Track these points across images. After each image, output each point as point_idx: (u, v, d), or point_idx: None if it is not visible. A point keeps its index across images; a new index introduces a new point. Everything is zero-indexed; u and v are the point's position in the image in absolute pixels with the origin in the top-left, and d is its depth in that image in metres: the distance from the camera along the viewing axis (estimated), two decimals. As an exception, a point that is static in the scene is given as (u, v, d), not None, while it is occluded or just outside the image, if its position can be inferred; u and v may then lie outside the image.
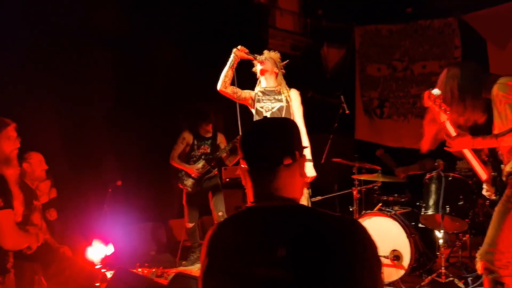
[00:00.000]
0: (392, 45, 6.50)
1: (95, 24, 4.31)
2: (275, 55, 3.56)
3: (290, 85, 3.61)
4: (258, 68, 3.51)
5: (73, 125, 4.47)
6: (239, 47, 3.45)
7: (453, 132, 2.54)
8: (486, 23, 5.60)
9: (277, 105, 3.44)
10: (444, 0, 5.84)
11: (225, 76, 3.44)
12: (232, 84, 3.48)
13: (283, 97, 3.45)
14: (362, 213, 4.07)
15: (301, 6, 7.43)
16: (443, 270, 3.66)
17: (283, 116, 3.38)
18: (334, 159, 4.32)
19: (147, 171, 5.13)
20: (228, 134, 4.77)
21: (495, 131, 2.49)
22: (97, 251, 4.19)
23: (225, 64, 3.46)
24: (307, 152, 3.38)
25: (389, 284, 3.78)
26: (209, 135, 4.68)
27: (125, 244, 4.66)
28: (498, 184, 2.59)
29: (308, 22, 7.31)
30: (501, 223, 2.44)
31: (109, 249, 4.34)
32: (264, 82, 3.53)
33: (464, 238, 4.20)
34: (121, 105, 4.79)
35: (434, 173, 3.85)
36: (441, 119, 2.57)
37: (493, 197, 2.59)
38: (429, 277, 3.70)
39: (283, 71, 3.59)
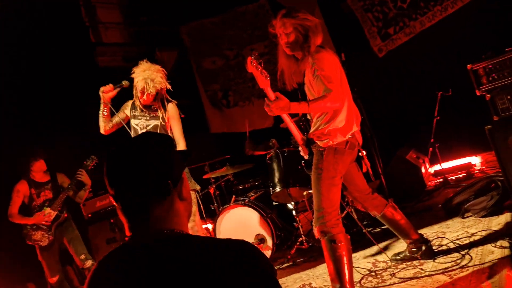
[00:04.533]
0: (218, 36, 6.64)
1: None
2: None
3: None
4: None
5: None
6: (102, 89, 3.28)
7: (272, 97, 2.57)
8: (291, -2, 6.01)
9: (153, 123, 3.32)
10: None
11: (102, 121, 3.37)
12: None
13: (159, 114, 3.31)
14: (220, 209, 4.13)
15: (124, 16, 7.20)
16: (303, 238, 3.90)
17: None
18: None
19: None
20: (68, 169, 4.42)
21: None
22: None
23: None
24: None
25: (261, 268, 3.91)
26: (46, 178, 4.30)
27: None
28: (310, 145, 2.82)
29: (134, 31, 7.12)
30: (319, 189, 2.67)
31: None
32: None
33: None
34: None
35: (271, 152, 4.05)
36: (261, 85, 2.61)
37: (307, 157, 2.83)
38: (294, 248, 3.92)
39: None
